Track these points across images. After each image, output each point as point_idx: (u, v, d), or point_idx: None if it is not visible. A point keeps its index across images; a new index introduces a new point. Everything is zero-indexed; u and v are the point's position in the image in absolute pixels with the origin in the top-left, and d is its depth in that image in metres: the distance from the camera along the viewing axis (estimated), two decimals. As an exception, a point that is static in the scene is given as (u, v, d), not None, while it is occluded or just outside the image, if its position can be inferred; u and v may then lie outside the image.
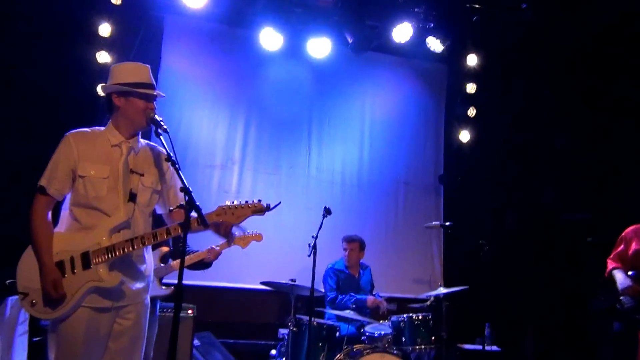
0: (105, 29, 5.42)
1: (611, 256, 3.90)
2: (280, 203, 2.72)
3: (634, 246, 3.77)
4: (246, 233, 3.91)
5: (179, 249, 3.73)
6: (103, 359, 2.53)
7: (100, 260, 2.42)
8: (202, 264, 3.85)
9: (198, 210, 2.22)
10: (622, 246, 3.86)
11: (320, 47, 6.15)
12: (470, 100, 6.77)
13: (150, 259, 2.70)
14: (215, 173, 6.09)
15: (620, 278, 3.70)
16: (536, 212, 6.94)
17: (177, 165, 2.36)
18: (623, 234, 3.89)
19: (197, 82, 6.16)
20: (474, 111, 6.73)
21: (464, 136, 6.76)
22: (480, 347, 5.22)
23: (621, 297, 3.71)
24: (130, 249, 2.45)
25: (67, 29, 5.33)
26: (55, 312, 2.40)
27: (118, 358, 2.54)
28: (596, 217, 6.12)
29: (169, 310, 4.36)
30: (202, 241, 3.88)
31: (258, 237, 3.97)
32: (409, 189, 6.84)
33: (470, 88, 6.72)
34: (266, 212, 2.59)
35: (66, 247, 2.43)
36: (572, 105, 6.86)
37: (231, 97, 6.28)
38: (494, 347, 5.57)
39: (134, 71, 2.64)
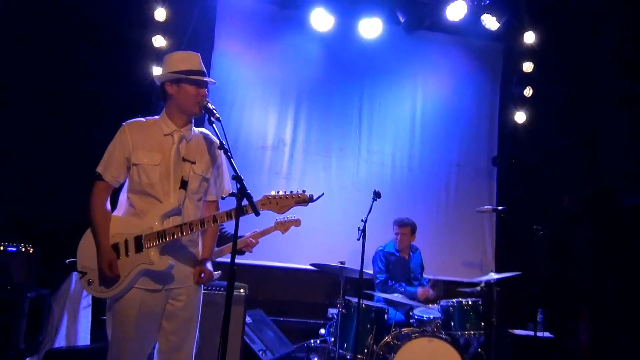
0: (160, 14, 5.54)
1: None
2: (323, 194, 2.76)
3: None
4: (285, 218, 3.97)
5: (224, 235, 3.94)
6: (158, 337, 2.66)
7: (151, 244, 2.53)
8: (239, 252, 3.96)
9: (249, 198, 2.27)
10: None
11: (371, 27, 6.07)
12: (527, 80, 6.54)
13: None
14: (267, 154, 6.17)
15: None
16: (595, 196, 6.70)
17: (229, 154, 2.40)
18: None
19: (249, 64, 6.23)
20: (531, 91, 6.50)
21: (520, 117, 6.56)
22: (532, 333, 5.12)
23: None
24: (180, 234, 2.54)
25: (124, 14, 5.49)
26: (110, 291, 2.53)
27: (172, 337, 2.64)
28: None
29: (222, 290, 4.54)
30: (247, 224, 3.96)
31: (297, 223, 4.01)
32: (461, 172, 6.72)
33: (527, 67, 6.49)
34: (311, 202, 2.61)
35: (122, 231, 2.55)
36: (635, 83, 6.53)
37: (282, 78, 6.32)
38: (547, 334, 5.46)
39: (185, 59, 2.69)
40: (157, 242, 2.52)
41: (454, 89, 6.85)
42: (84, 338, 4.81)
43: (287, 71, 6.34)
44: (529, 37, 6.38)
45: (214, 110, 2.56)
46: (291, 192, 2.61)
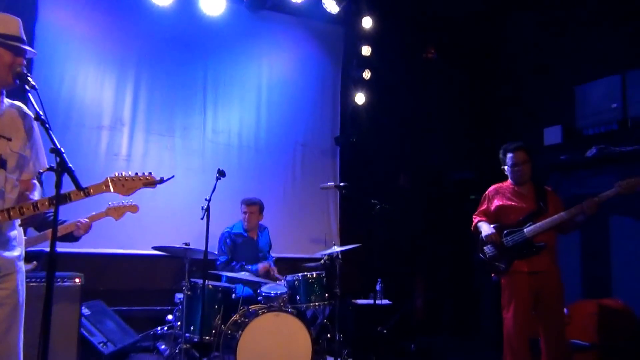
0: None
1: (476, 213, 4.20)
2: (173, 177, 2.65)
3: (495, 202, 4.08)
4: (120, 203, 3.66)
5: (45, 218, 3.47)
6: None
7: None
8: (71, 237, 3.58)
9: (70, 172, 2.07)
10: (485, 204, 4.17)
11: (213, 3, 5.92)
12: (366, 63, 6.88)
13: (19, 227, 2.51)
14: (104, 135, 5.73)
15: (485, 228, 3.98)
16: (427, 173, 7.32)
17: (47, 125, 2.17)
18: (486, 192, 4.19)
19: (80, 38, 5.68)
20: (369, 74, 6.85)
21: (360, 98, 6.88)
22: (372, 301, 5.45)
23: (484, 247, 4.02)
24: (8, 219, 2.26)
25: None
26: None
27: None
28: (479, 177, 6.57)
29: (43, 280, 4.11)
30: (84, 209, 3.61)
31: (133, 208, 3.70)
32: (306, 151, 6.88)
33: (366, 51, 6.83)
34: (159, 184, 2.49)
35: None
36: (459, 71, 7.25)
37: (118, 54, 5.88)
38: (385, 301, 5.86)
39: (3, 22, 2.39)
40: None
41: (298, 70, 6.96)
42: None
43: (124, 47, 5.92)
44: (367, 22, 6.69)
45: (29, 78, 2.30)
46: (136, 173, 2.46)
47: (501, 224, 3.99)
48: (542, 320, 3.82)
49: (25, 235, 3.43)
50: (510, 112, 6.85)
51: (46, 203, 2.31)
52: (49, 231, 3.41)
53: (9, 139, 2.38)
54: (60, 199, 2.12)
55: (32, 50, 2.45)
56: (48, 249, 2.03)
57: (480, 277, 6.60)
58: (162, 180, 2.48)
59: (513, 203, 3.99)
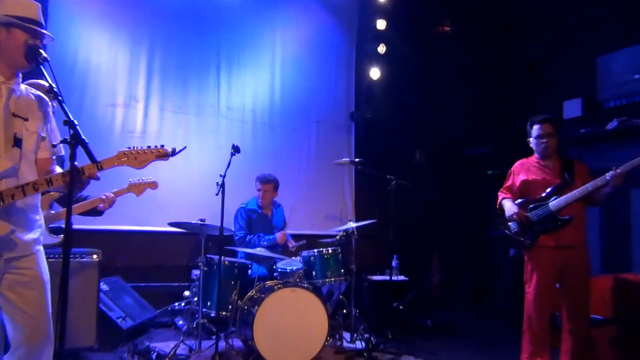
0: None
1: (502, 189, 4.15)
2: (185, 147, 2.65)
3: (521, 177, 4.02)
4: (140, 180, 3.79)
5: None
6: (6, 311, 2.37)
7: None
8: (95, 212, 3.70)
9: (84, 145, 2.06)
10: (510, 179, 4.12)
11: (226, -22, 5.85)
12: (381, 36, 6.77)
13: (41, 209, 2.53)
14: (118, 112, 5.73)
15: (508, 206, 3.95)
16: (443, 148, 7.23)
17: (60, 97, 2.15)
18: (512, 168, 4.14)
19: (93, 17, 5.64)
20: (384, 48, 6.74)
21: (374, 73, 6.79)
22: (387, 277, 5.44)
23: (509, 223, 3.99)
24: (22, 195, 2.26)
25: None
26: None
27: (27, 308, 2.38)
28: (495, 151, 6.48)
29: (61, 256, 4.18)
30: (100, 187, 3.68)
31: (153, 185, 3.85)
32: (321, 127, 6.84)
33: (381, 24, 6.71)
34: (171, 156, 2.47)
35: None
36: (475, 44, 7.10)
37: (132, 32, 5.85)
38: (401, 277, 5.85)
39: (23, 5, 2.37)
40: None
41: (312, 45, 6.88)
42: None
43: (137, 24, 5.88)
44: (382, -6, 6.57)
45: (41, 50, 2.28)
46: (149, 146, 2.45)
47: (527, 198, 3.94)
48: (566, 294, 3.76)
49: (52, 210, 3.50)
50: (529, 85, 6.68)
51: (60, 178, 2.30)
52: (74, 207, 3.49)
53: (25, 119, 2.38)
54: (74, 173, 2.11)
55: (50, 35, 2.42)
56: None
57: (498, 252, 6.56)
58: (174, 152, 2.46)
59: (538, 177, 3.93)
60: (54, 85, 2.17)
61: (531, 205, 3.88)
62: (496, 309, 6.52)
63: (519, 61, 6.93)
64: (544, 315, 3.78)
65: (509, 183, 4.11)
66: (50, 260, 2.65)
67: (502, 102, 6.96)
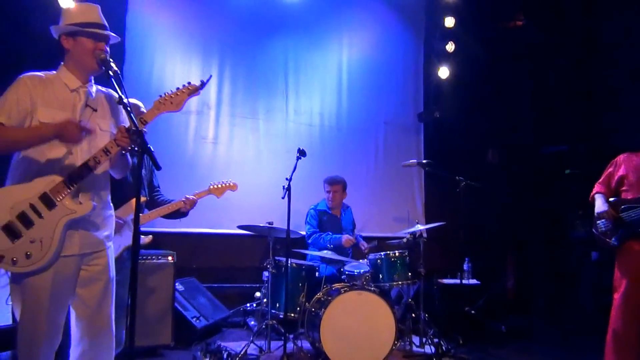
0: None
1: (600, 180, 3.92)
2: (211, 76, 2.73)
3: (620, 172, 3.79)
4: (221, 183, 3.93)
5: (155, 199, 3.81)
6: (73, 305, 2.54)
7: (62, 195, 2.37)
8: (179, 213, 3.83)
9: (150, 152, 2.17)
10: (611, 168, 3.88)
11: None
12: (449, 34, 6.62)
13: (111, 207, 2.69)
14: (192, 119, 5.98)
15: (599, 203, 3.76)
16: (516, 147, 6.96)
17: (128, 108, 2.27)
18: (615, 158, 3.90)
19: (166, 28, 5.93)
20: (453, 46, 6.59)
21: (443, 72, 6.65)
22: (458, 281, 5.31)
23: (597, 222, 3.78)
24: (88, 170, 2.40)
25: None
26: (43, 259, 2.34)
27: (90, 302, 2.54)
28: (573, 149, 6.14)
29: (148, 258, 4.46)
30: (177, 191, 3.92)
31: (233, 187, 3.98)
32: (389, 129, 6.79)
33: (449, 22, 6.56)
34: (201, 89, 2.51)
35: (21, 198, 2.36)
36: (550, 39, 6.76)
37: (203, 40, 6.09)
38: (473, 281, 5.69)
39: (83, 11, 2.54)
40: (68, 190, 2.38)
41: (379, 46, 6.85)
42: (5, 318, 4.59)
43: (207, 33, 6.11)
44: (450, -8, 6.42)
45: (112, 63, 2.42)
46: (177, 88, 2.51)
47: (620, 198, 3.73)
48: None
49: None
50: (610, 80, 6.28)
51: (114, 146, 2.39)
52: (157, 210, 3.73)
53: (95, 109, 2.56)
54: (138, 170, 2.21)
55: (114, 34, 2.57)
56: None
57: (578, 255, 6.21)
58: (202, 83, 2.51)
59: (637, 177, 3.70)
60: (123, 96, 2.30)
61: (623, 206, 3.66)
62: (575, 315, 6.17)
63: (598, 53, 6.51)
64: (630, 325, 3.55)
65: (609, 170, 3.88)
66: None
67: (580, 97, 6.58)
